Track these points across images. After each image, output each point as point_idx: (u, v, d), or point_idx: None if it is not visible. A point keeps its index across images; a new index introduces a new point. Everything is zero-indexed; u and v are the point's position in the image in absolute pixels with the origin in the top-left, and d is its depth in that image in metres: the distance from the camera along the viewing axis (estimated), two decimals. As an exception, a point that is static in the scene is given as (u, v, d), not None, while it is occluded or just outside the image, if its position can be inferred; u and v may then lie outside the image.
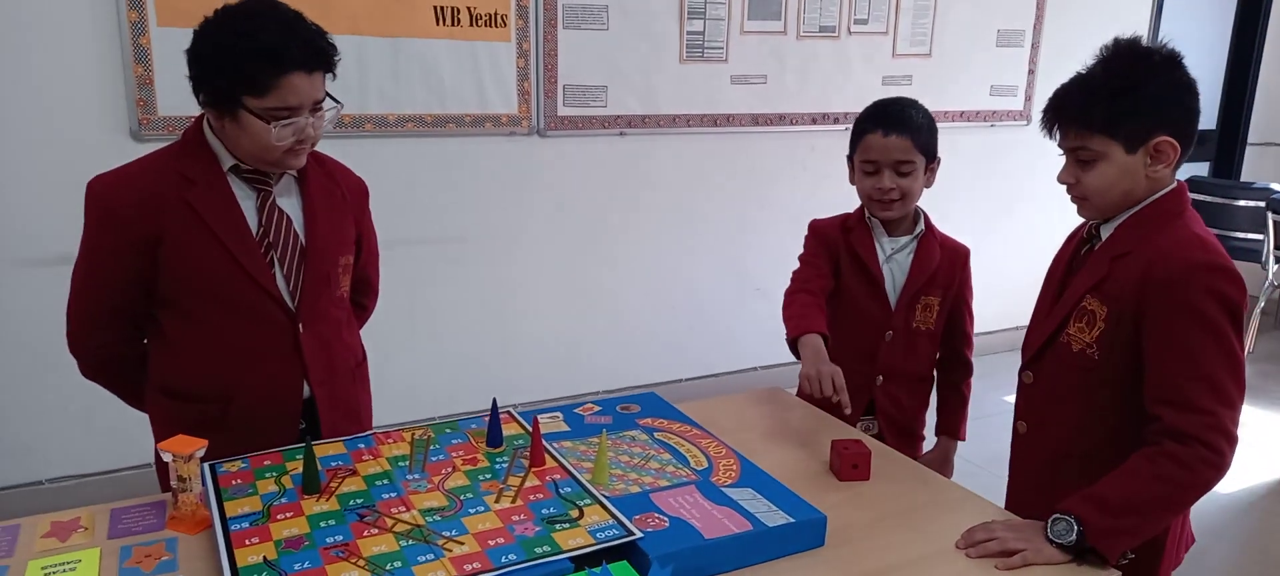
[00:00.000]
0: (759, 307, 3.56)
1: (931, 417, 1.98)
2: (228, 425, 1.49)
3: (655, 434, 1.56)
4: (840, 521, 1.33)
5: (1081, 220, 1.51)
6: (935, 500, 1.45)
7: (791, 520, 1.27)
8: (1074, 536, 1.25)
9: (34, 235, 2.62)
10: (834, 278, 1.86)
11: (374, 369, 1.80)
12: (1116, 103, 1.33)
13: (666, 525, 1.24)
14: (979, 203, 4.04)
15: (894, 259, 1.85)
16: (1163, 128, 1.33)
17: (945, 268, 1.85)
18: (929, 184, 1.82)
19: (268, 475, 1.35)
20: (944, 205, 4.18)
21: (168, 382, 1.55)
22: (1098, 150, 1.36)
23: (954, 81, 3.96)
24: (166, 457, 1.26)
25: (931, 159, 1.79)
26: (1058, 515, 1.28)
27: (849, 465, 1.48)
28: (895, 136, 1.74)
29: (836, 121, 3.73)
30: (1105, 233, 1.43)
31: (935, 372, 1.95)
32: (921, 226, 1.85)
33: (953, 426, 1.96)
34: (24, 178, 2.59)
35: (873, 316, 1.84)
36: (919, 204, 1.85)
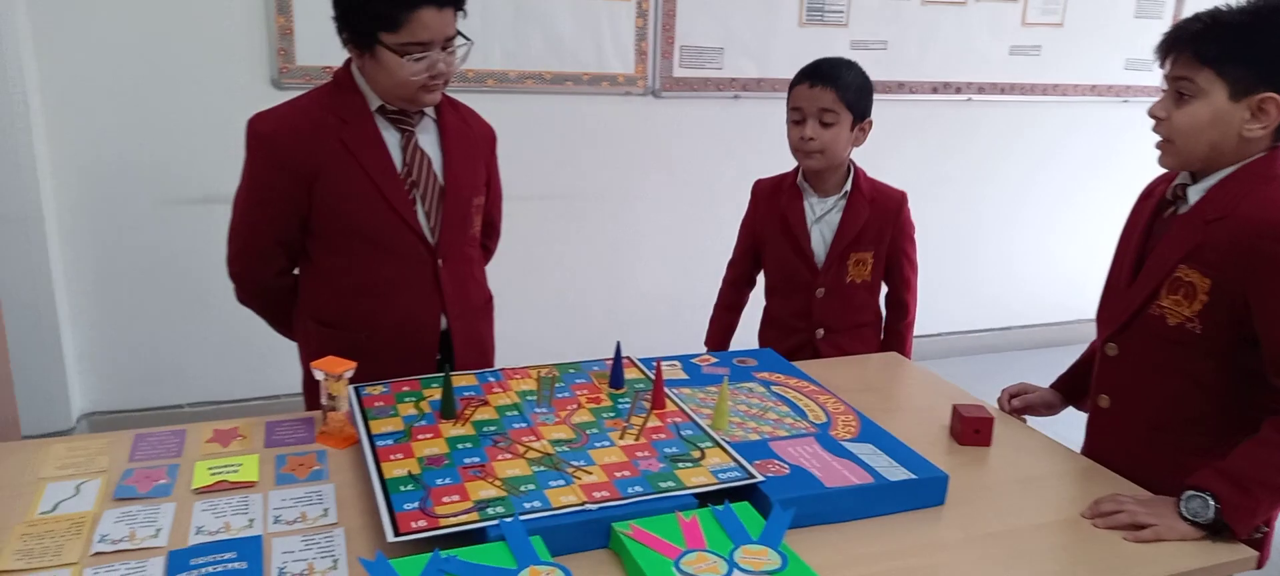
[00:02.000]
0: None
1: None
2: (371, 353, 1.58)
3: (772, 387, 1.58)
4: (961, 483, 1.33)
5: (1151, 183, 1.48)
6: (1059, 470, 1.43)
7: (913, 476, 1.27)
8: (1211, 513, 1.22)
9: (185, 176, 2.80)
10: (755, 261, 2.06)
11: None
12: (1236, 42, 1.26)
13: (787, 472, 1.27)
14: (1108, 182, 3.88)
15: (824, 219, 1.92)
16: (1274, 84, 1.26)
17: (876, 221, 1.92)
18: (857, 143, 1.87)
19: (407, 399, 1.43)
20: (1072, 186, 4.07)
21: (318, 310, 1.65)
22: (1200, 86, 1.29)
23: (1086, 53, 3.79)
24: (318, 376, 1.35)
25: (860, 118, 1.84)
26: (1192, 492, 1.24)
27: (970, 430, 1.47)
28: (820, 88, 1.80)
29: (958, 92, 3.63)
30: (1194, 196, 1.35)
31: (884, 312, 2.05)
32: (849, 185, 1.91)
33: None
34: (176, 123, 2.76)
35: (802, 276, 1.94)
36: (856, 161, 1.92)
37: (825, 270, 1.91)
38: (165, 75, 2.72)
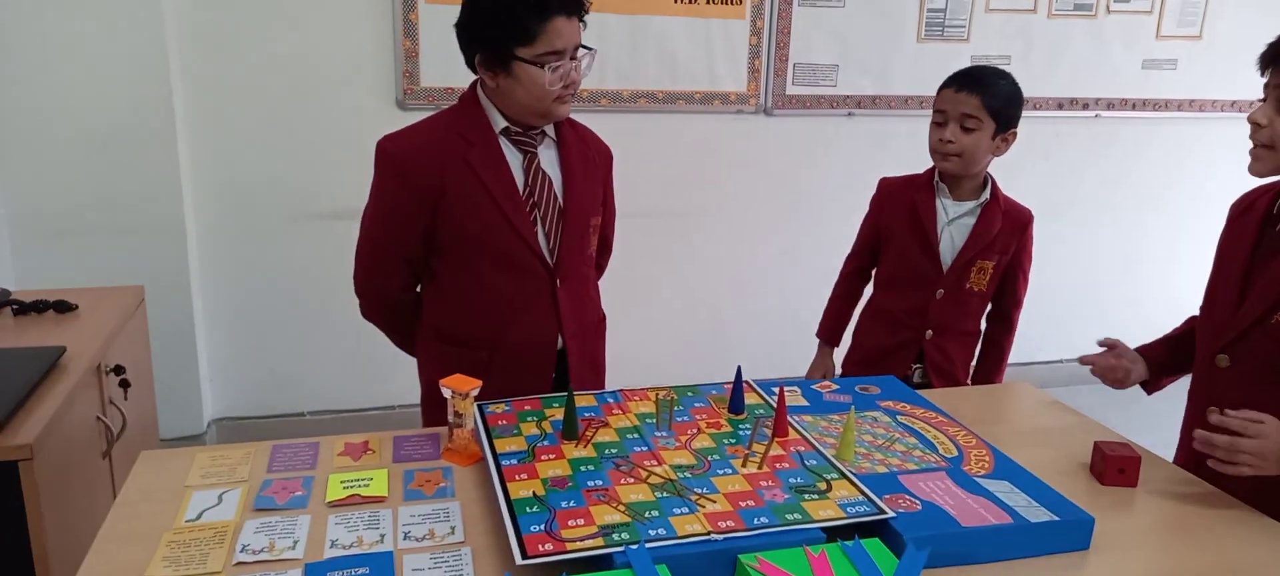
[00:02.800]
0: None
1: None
2: (490, 370, 1.61)
3: (898, 417, 1.53)
4: (1106, 526, 1.26)
5: (1247, 196, 1.49)
6: (1210, 513, 1.33)
7: (1056, 518, 1.20)
8: None
9: (314, 192, 2.92)
10: (873, 255, 2.06)
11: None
12: None
13: (919, 508, 1.22)
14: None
15: (955, 222, 1.91)
16: None
17: (1005, 234, 1.91)
18: (998, 152, 1.87)
19: (529, 419, 1.44)
20: (1203, 205, 3.82)
21: (439, 327, 1.69)
22: None
23: (1226, 67, 3.57)
24: (446, 393, 1.38)
25: (1004, 127, 1.84)
26: None
27: (1115, 469, 1.39)
28: (966, 93, 1.82)
29: (1086, 108, 3.47)
30: None
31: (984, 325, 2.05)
32: (987, 194, 1.91)
33: (990, 378, 2.06)
34: (307, 141, 2.89)
35: (925, 276, 1.93)
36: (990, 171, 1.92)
37: (950, 273, 1.91)
38: (298, 95, 2.85)
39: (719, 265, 3.41)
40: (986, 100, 1.80)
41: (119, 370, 1.90)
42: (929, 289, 1.93)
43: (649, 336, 3.36)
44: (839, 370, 2.14)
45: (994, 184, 1.93)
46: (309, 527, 1.20)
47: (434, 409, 1.66)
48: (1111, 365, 1.64)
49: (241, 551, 1.14)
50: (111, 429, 1.86)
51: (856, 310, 2.15)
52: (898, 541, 1.15)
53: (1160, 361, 1.64)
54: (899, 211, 1.96)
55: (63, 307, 2.00)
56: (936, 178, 1.93)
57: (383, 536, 1.18)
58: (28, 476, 1.44)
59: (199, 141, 2.81)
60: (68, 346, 1.77)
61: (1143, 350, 1.66)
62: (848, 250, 2.13)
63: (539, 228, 1.63)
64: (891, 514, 1.19)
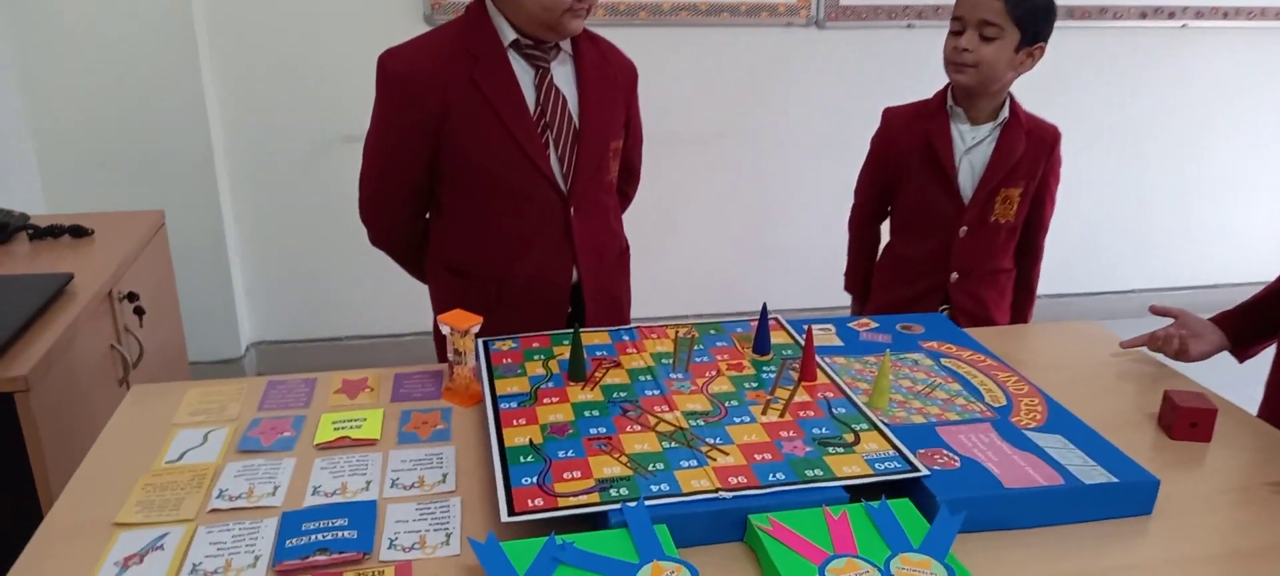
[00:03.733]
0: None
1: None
2: (500, 305, 1.51)
3: (942, 360, 1.39)
4: (1173, 489, 1.11)
5: None
6: (1298, 478, 1.18)
7: (1114, 479, 1.06)
8: None
9: (342, 113, 2.83)
10: (884, 197, 1.87)
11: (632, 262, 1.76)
12: None
13: (957, 465, 1.09)
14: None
15: (974, 150, 1.71)
16: None
17: (1030, 156, 1.73)
18: (1022, 68, 1.67)
19: (536, 357, 1.34)
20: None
21: (447, 258, 1.59)
22: None
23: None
24: (444, 330, 1.28)
25: (1030, 39, 1.63)
26: None
27: (1186, 423, 1.23)
28: None
29: (1171, 17, 3.18)
30: None
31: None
32: (1006, 113, 1.69)
33: (1020, 315, 1.87)
34: (333, 61, 2.79)
35: (945, 213, 1.75)
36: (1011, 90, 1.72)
37: (972, 206, 1.73)
38: (324, 13, 2.74)
39: (762, 194, 3.24)
40: (1011, 5, 1.59)
41: (133, 297, 1.85)
42: (950, 227, 1.74)
43: (681, 271, 3.24)
44: None
45: (1014, 102, 1.72)
46: (292, 472, 1.12)
47: (444, 345, 1.57)
48: (1168, 336, 1.46)
49: (218, 497, 1.06)
50: (127, 358, 1.82)
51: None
52: (931, 503, 1.03)
53: (1248, 328, 1.46)
54: (910, 144, 1.75)
55: (78, 232, 1.95)
56: (949, 100, 1.72)
57: (369, 483, 1.10)
58: (25, 408, 1.39)
59: (226, 65, 2.74)
60: (78, 273, 1.72)
61: (1220, 318, 1.48)
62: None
63: (551, 151, 1.51)
64: (925, 471, 1.06)
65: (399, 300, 3.05)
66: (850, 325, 1.51)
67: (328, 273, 3.03)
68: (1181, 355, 1.45)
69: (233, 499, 1.06)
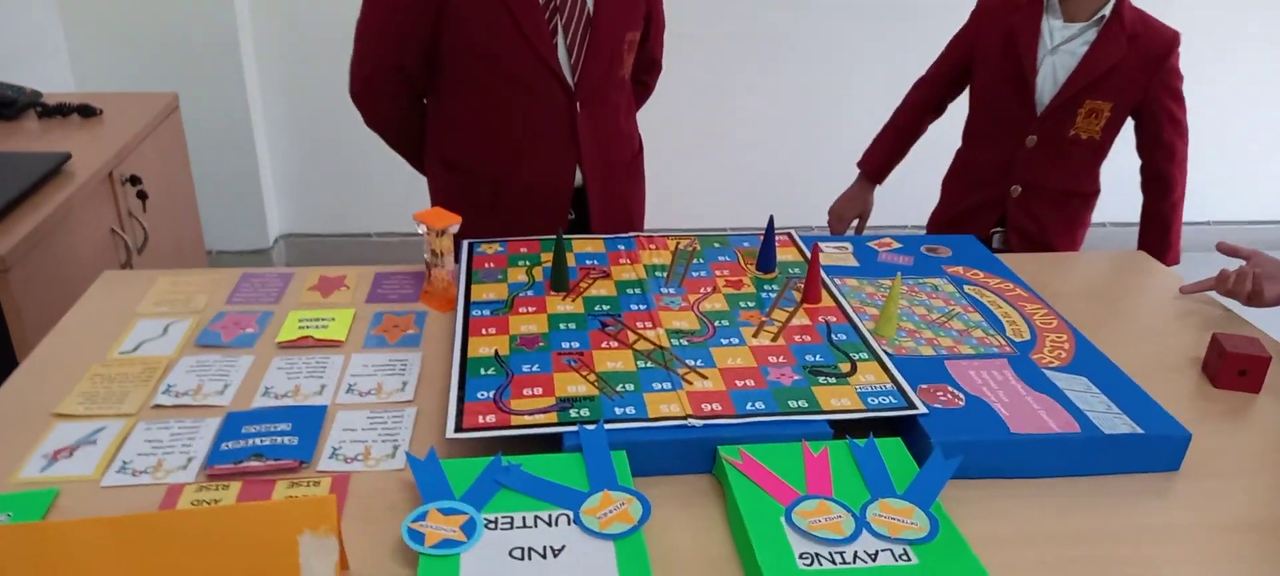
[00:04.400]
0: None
1: (1091, 237, 1.69)
2: (498, 208, 1.42)
3: (965, 287, 1.26)
4: (1208, 444, 0.99)
5: None
6: (1360, 440, 1.03)
7: (1138, 430, 0.94)
8: None
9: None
10: (953, 87, 1.71)
11: (649, 167, 1.64)
12: None
13: (961, 403, 0.98)
14: None
15: (1061, 49, 1.50)
16: None
17: (1132, 65, 1.50)
18: None
19: (520, 263, 1.25)
20: None
21: (444, 152, 1.50)
22: None
23: None
24: (420, 229, 1.20)
25: None
26: None
27: (1233, 370, 1.09)
28: None
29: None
30: None
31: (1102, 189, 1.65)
32: (1108, 10, 1.46)
33: (1158, 255, 1.59)
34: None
35: (1014, 118, 1.55)
36: None
37: (1047, 115, 1.54)
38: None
39: (798, 95, 3.04)
40: None
41: (135, 180, 1.81)
42: (1017, 136, 1.57)
43: (705, 178, 3.09)
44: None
45: (1123, 1, 1.50)
46: (247, 370, 1.06)
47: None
48: (1241, 275, 1.27)
49: (164, 392, 1.01)
50: (129, 243, 1.79)
51: (915, 157, 1.80)
52: (926, 445, 0.92)
53: None
54: (994, 35, 1.58)
55: (87, 111, 1.91)
56: None
57: (323, 387, 1.03)
58: (4, 289, 1.36)
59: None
60: (80, 153, 1.68)
61: None
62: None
63: (560, 40, 1.39)
64: (923, 409, 0.95)
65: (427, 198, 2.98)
66: (870, 243, 1.38)
67: (363, 164, 2.96)
68: (1254, 299, 1.27)
69: (179, 395, 1.01)
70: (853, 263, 1.32)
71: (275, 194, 2.97)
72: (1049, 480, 0.93)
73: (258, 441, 0.93)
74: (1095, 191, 1.64)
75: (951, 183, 1.71)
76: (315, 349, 1.11)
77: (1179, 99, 1.56)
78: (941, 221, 1.72)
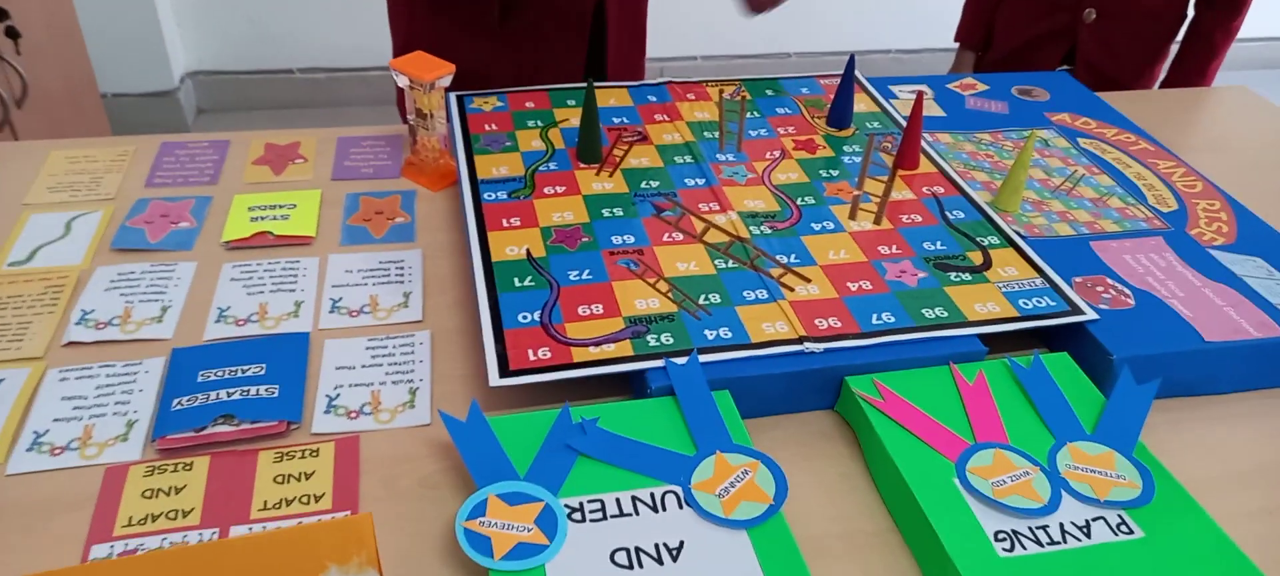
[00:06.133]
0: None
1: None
2: (503, 34, 1.11)
3: (1080, 140, 1.04)
4: None
5: None
6: None
7: (1357, 334, 0.76)
8: None
9: None
10: None
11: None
12: None
13: (1131, 303, 0.77)
14: None
15: None
16: None
17: None
18: None
19: (531, 123, 0.97)
20: None
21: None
22: None
23: None
24: (401, 81, 0.91)
25: None
26: None
27: None
28: None
29: None
30: None
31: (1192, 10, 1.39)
32: None
33: (1191, 83, 1.41)
34: None
35: None
36: None
37: None
38: None
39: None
40: None
41: (3, 15, 1.43)
42: None
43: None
44: None
45: None
46: (190, 284, 0.79)
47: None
48: None
49: (80, 321, 0.74)
50: (4, 96, 1.43)
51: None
52: (1098, 359, 0.72)
53: None
54: None
55: (-74, -75, 1.49)
56: None
57: (299, 305, 0.77)
58: None
59: None
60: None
61: None
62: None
63: None
64: (1090, 314, 0.75)
65: (362, 30, 2.59)
66: (950, 86, 1.14)
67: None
68: None
69: (102, 326, 0.74)
70: (938, 112, 1.08)
71: (176, 23, 2.54)
72: (1241, 395, 0.75)
73: (223, 393, 0.67)
74: (1183, 15, 1.40)
75: (1012, 12, 1.45)
76: (277, 248, 0.84)
77: None
78: (997, 61, 1.46)
